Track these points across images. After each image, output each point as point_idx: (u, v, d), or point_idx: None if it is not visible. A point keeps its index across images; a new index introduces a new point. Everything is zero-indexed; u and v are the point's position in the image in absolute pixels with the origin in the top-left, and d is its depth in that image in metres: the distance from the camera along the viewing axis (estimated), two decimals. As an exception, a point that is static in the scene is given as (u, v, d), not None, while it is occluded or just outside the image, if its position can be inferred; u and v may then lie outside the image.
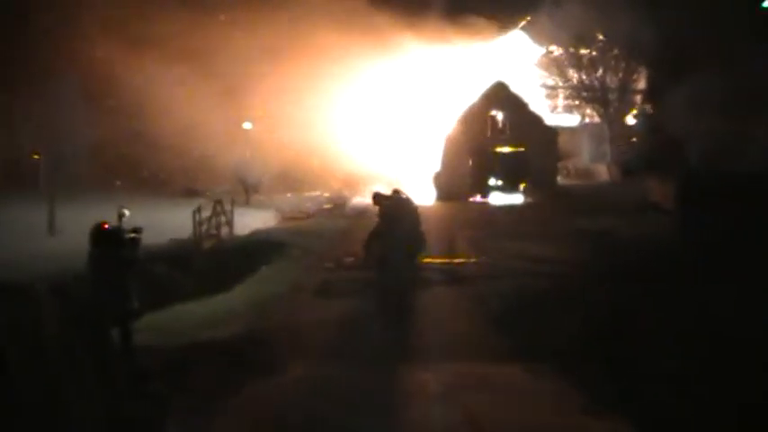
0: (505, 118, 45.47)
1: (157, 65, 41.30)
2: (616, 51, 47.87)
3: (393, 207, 14.87)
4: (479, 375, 10.12)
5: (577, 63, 49.26)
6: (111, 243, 9.97)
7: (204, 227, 27.55)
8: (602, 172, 48.91)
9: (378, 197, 16.08)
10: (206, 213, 27.96)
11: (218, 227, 28.46)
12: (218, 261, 22.73)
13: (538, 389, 9.72)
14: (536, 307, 13.88)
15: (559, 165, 48.27)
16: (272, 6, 44.61)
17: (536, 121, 45.81)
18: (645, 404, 8.87)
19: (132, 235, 10.32)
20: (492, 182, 44.65)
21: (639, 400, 8.99)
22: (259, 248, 23.44)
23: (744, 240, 17.06)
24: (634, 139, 48.74)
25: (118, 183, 49.74)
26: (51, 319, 9.72)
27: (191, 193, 43.75)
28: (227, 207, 29.60)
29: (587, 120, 53.60)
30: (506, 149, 45.19)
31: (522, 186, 43.54)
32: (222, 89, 43.42)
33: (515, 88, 46.17)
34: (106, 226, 10.09)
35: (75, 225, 18.63)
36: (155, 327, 12.33)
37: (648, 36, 38.52)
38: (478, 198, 43.55)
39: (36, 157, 44.40)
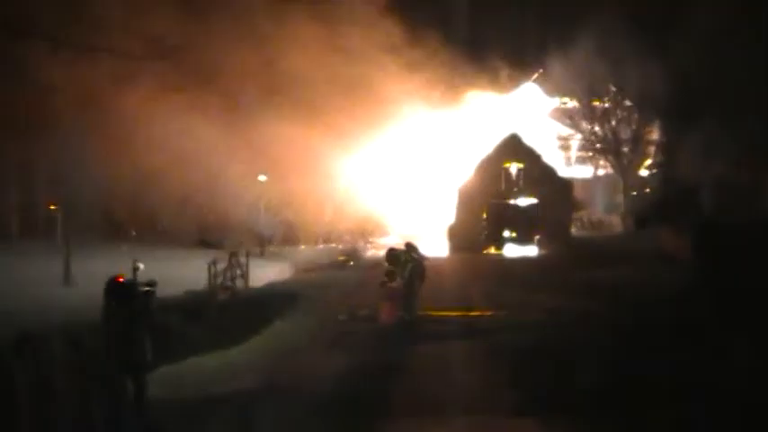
0: (519, 170, 45.59)
1: (172, 115, 41.68)
2: (628, 103, 48.04)
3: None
4: (494, 430, 10.03)
5: (590, 114, 49.42)
6: (126, 296, 10.03)
7: (219, 279, 27.59)
8: (616, 223, 48.82)
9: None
10: (221, 265, 28.02)
11: (234, 279, 28.48)
12: (233, 313, 22.70)
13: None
14: (551, 360, 13.76)
15: (573, 216, 48.24)
16: (288, 59, 45.10)
17: (550, 172, 45.92)
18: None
19: (147, 288, 10.37)
20: (506, 234, 44.53)
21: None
22: (274, 301, 23.45)
23: (761, 292, 16.96)
24: (648, 190, 48.67)
25: (133, 233, 50.00)
26: (66, 372, 9.75)
27: (205, 244, 43.85)
28: (243, 259, 29.63)
29: (601, 171, 53.63)
30: (520, 201, 45.22)
31: (536, 238, 43.42)
32: (239, 140, 43.70)
33: (529, 140, 46.37)
34: (121, 279, 10.16)
35: (90, 275, 18.72)
36: (169, 380, 12.31)
37: (660, 87, 38.71)
38: (493, 250, 43.46)
39: (52, 207, 44.71)
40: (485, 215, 45.08)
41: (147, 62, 42.45)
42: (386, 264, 19.47)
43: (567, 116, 51.02)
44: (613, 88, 47.56)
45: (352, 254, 41.20)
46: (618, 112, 48.94)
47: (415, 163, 48.92)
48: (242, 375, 13.45)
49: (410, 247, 19.27)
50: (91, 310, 11.16)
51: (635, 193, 48.38)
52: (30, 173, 44.12)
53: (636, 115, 48.52)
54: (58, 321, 17.49)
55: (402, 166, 48.79)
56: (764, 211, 28.68)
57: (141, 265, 10.91)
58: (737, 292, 17.55)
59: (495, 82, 50.17)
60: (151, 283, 10.47)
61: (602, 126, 49.27)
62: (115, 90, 41.51)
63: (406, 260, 18.67)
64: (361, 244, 45.97)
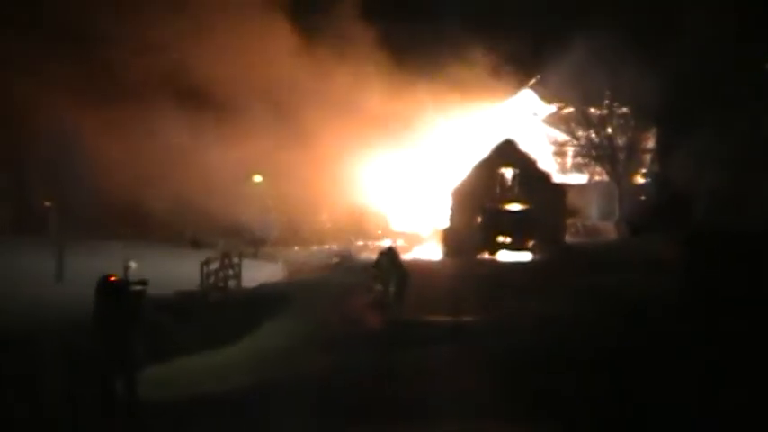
0: (514, 175, 45.56)
1: (168, 115, 41.67)
2: (625, 110, 48.08)
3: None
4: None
5: (586, 121, 49.41)
6: (117, 295, 10.02)
7: (212, 279, 27.53)
8: (610, 230, 48.80)
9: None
10: (214, 265, 27.97)
11: (226, 279, 28.42)
12: (224, 313, 22.67)
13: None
14: (542, 366, 13.76)
15: (568, 222, 48.18)
16: (284, 61, 45.17)
17: (545, 178, 45.91)
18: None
19: (138, 287, 10.37)
20: (500, 239, 44.44)
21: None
22: (265, 302, 23.43)
23: (750, 300, 17.00)
24: (643, 198, 48.73)
25: (126, 231, 49.88)
26: (56, 371, 9.75)
27: (197, 244, 43.81)
28: (236, 260, 29.58)
29: (596, 178, 53.58)
30: (515, 207, 45.20)
31: (530, 244, 43.39)
32: (233, 141, 43.67)
33: (524, 146, 46.36)
34: (113, 278, 10.14)
35: (82, 272, 18.66)
36: (158, 379, 12.29)
37: (655, 95, 38.80)
38: (486, 255, 43.39)
39: (47, 204, 44.58)
40: (479, 220, 45.01)
41: (143, 60, 42.50)
42: (373, 269, 20.34)
43: (563, 122, 50.99)
44: (609, 95, 47.60)
45: (346, 256, 41.13)
46: (614, 119, 48.99)
47: (412, 166, 48.93)
48: (232, 376, 13.44)
49: (392, 252, 21.27)
50: (82, 308, 11.14)
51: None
52: (24, 169, 43.97)
53: (632, 123, 48.59)
54: (49, 319, 17.49)
55: (398, 168, 48.80)
56: (756, 220, 28.72)
57: (133, 264, 10.92)
58: (729, 302, 17.58)
59: (491, 87, 50.09)
60: (143, 282, 10.48)
61: (597, 133, 49.30)
62: (110, 88, 41.51)
63: (388, 265, 20.32)
64: (354, 246, 45.89)
